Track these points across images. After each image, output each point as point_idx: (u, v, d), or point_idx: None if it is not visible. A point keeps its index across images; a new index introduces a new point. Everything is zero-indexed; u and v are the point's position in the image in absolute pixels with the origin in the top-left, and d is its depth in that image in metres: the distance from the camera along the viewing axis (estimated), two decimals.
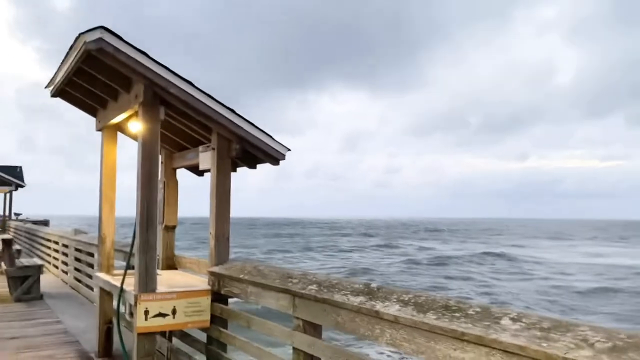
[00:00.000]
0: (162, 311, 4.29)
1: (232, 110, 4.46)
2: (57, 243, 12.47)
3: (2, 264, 9.66)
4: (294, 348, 3.34)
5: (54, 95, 5.48)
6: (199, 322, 4.44)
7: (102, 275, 5.39)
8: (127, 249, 6.89)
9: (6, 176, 32.56)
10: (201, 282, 4.87)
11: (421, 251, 55.52)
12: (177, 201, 5.87)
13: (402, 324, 2.47)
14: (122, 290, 4.50)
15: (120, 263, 6.43)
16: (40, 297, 8.75)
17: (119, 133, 5.68)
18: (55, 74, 5.19)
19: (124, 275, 4.55)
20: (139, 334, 4.20)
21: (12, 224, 26.28)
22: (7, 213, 34.03)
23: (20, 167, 35.68)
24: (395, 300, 2.64)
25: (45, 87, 5.58)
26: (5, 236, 10.24)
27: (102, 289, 5.45)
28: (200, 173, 6.36)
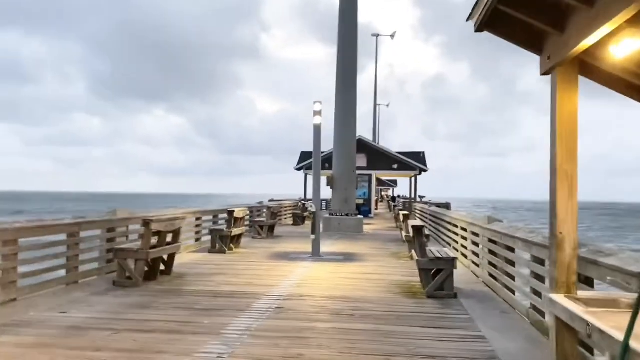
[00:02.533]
0: None
1: None
2: (465, 230, 11.33)
3: (413, 252, 8.92)
4: None
5: (479, 27, 3.78)
6: None
7: (561, 299, 3.40)
8: (598, 258, 4.73)
9: (411, 161, 35.00)
10: None
11: None
12: None
13: None
14: (626, 348, 2.39)
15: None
16: (454, 295, 7.49)
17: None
18: None
19: (633, 319, 2.41)
20: None
21: (417, 206, 27.63)
22: (412, 196, 36.67)
23: (423, 153, 37.90)
24: None
25: (468, 20, 3.95)
26: (417, 223, 9.53)
27: (558, 318, 3.48)
28: None
